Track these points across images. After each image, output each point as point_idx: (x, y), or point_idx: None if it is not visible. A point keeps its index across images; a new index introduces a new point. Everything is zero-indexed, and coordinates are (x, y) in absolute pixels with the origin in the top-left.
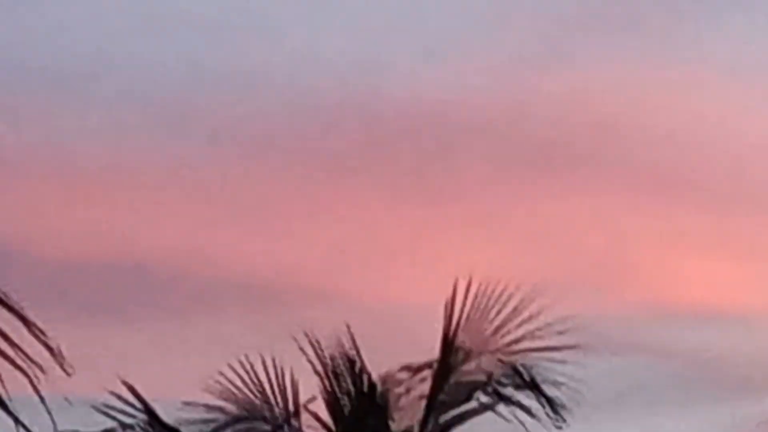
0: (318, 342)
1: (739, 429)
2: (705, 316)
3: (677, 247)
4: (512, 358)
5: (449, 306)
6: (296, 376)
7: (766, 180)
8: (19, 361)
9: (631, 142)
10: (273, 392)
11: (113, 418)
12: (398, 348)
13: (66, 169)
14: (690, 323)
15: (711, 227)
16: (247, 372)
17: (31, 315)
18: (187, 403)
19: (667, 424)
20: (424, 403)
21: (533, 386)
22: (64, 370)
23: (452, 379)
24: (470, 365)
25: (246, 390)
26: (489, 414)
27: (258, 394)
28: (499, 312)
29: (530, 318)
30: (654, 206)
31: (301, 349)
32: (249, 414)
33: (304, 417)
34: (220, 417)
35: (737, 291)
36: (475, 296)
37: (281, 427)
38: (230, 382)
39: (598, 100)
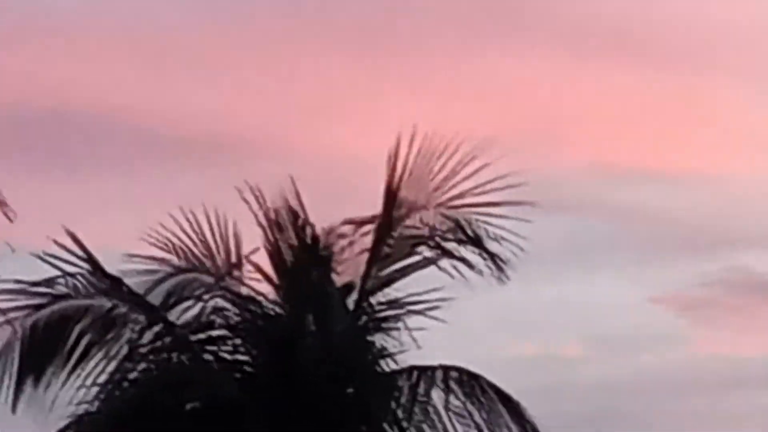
0: (261, 194)
1: (679, 287)
2: (647, 175)
3: (623, 107)
4: (456, 213)
5: (392, 159)
6: (239, 228)
7: (713, 40)
8: None
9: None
10: (215, 244)
11: (56, 267)
12: (342, 201)
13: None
14: (632, 182)
15: (657, 87)
16: (189, 224)
17: None
18: (130, 255)
19: (607, 281)
20: (366, 256)
21: (476, 241)
22: (7, 217)
23: (395, 233)
24: (413, 219)
25: (188, 242)
26: (432, 268)
27: (200, 246)
28: (443, 166)
29: (474, 173)
30: (602, 65)
31: (245, 201)
32: (191, 265)
33: (246, 268)
34: (163, 268)
35: (682, 151)
36: (419, 150)
37: (223, 278)
38: (173, 233)
39: None
